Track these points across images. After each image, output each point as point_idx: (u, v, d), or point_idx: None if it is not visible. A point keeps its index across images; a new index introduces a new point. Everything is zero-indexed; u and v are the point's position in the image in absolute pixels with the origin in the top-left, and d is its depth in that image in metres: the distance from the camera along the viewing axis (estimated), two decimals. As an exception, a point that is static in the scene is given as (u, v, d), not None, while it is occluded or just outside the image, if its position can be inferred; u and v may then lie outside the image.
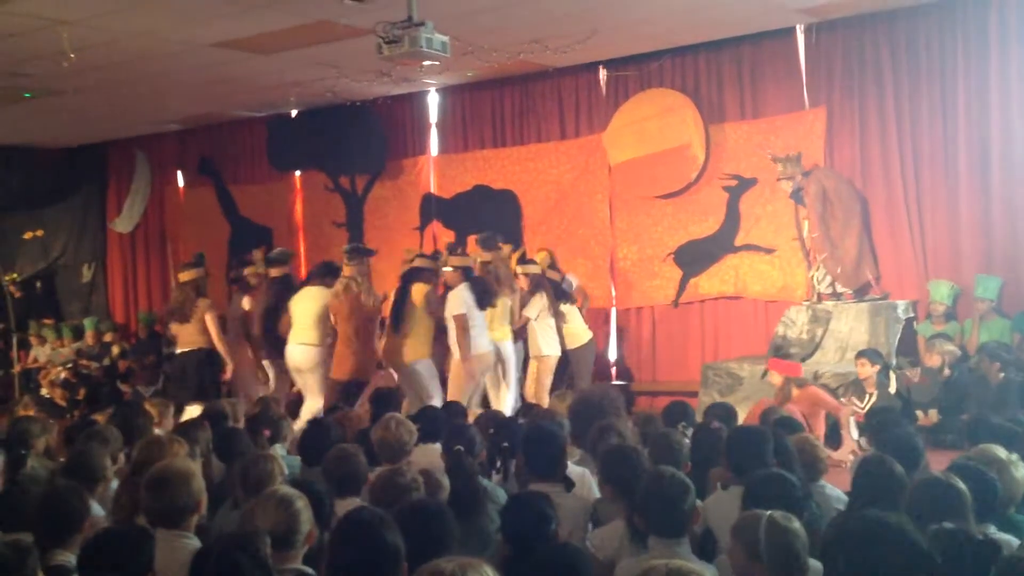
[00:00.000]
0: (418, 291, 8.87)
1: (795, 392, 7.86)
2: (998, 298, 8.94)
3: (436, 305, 8.84)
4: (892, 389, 8.28)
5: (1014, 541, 3.77)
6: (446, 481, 4.69)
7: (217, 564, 3.07)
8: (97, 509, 4.64)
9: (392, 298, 9.05)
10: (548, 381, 9.52)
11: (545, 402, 8.67)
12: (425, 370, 8.88)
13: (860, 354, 8.36)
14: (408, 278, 9.03)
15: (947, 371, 8.41)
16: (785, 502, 3.68)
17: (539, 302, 9.45)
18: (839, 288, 9.35)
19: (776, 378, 8.09)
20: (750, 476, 4.22)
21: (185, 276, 9.60)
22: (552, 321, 9.53)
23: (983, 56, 9.07)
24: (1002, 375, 8.02)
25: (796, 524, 3.36)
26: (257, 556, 3.14)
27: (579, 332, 9.76)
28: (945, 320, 9.06)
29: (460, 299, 8.68)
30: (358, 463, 4.80)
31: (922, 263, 9.45)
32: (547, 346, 9.49)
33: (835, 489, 4.77)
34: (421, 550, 3.16)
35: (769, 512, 3.38)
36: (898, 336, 8.86)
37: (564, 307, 9.67)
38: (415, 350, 8.84)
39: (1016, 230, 9.01)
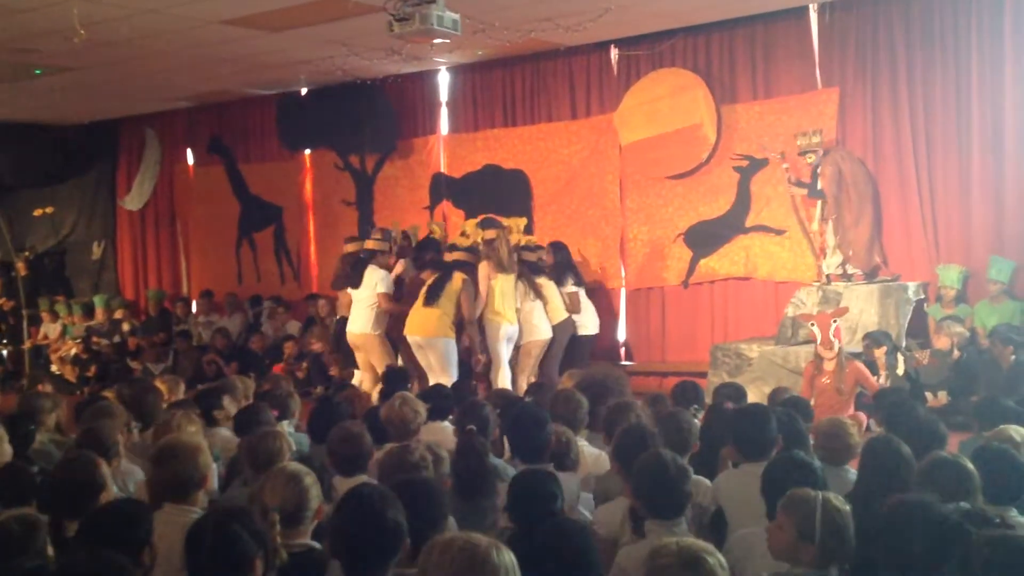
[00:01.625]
0: (458, 278, 9.11)
1: (847, 364, 7.81)
2: (1010, 281, 8.91)
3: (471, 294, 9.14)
4: (900, 371, 8.26)
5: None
6: (444, 454, 4.69)
7: (212, 535, 3.08)
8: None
9: (430, 280, 9.21)
10: (528, 364, 9.49)
11: (522, 386, 8.86)
12: (450, 347, 9.06)
13: (866, 336, 8.34)
14: (454, 265, 9.27)
15: (956, 353, 8.38)
16: (805, 485, 3.68)
17: (520, 288, 9.44)
18: (849, 269, 9.31)
19: (833, 349, 7.97)
20: (771, 458, 4.21)
21: (369, 245, 9.86)
22: (534, 304, 9.50)
23: (998, 37, 9.00)
24: (1013, 357, 8.00)
25: (847, 508, 3.32)
26: (252, 527, 3.15)
27: (556, 311, 9.67)
28: (955, 303, 9.03)
29: None
30: (362, 442, 4.80)
31: (933, 245, 9.41)
32: (529, 332, 9.47)
33: (856, 473, 4.74)
34: (412, 526, 3.19)
35: (823, 493, 3.35)
36: (908, 318, 8.83)
37: (541, 280, 9.60)
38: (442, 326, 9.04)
39: (1029, 212, 8.97)
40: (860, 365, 7.91)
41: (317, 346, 11.53)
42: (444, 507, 3.60)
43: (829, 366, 7.91)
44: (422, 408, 5.54)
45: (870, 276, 9.32)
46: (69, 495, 4.04)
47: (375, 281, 9.31)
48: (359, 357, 9.67)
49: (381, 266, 9.51)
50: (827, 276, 9.34)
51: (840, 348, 7.92)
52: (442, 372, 8.86)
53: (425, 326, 9.02)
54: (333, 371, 11.23)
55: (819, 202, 9.43)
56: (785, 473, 3.84)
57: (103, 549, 3.09)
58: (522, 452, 4.76)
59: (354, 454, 4.75)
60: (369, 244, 9.80)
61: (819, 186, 9.30)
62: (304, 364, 11.86)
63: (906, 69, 9.45)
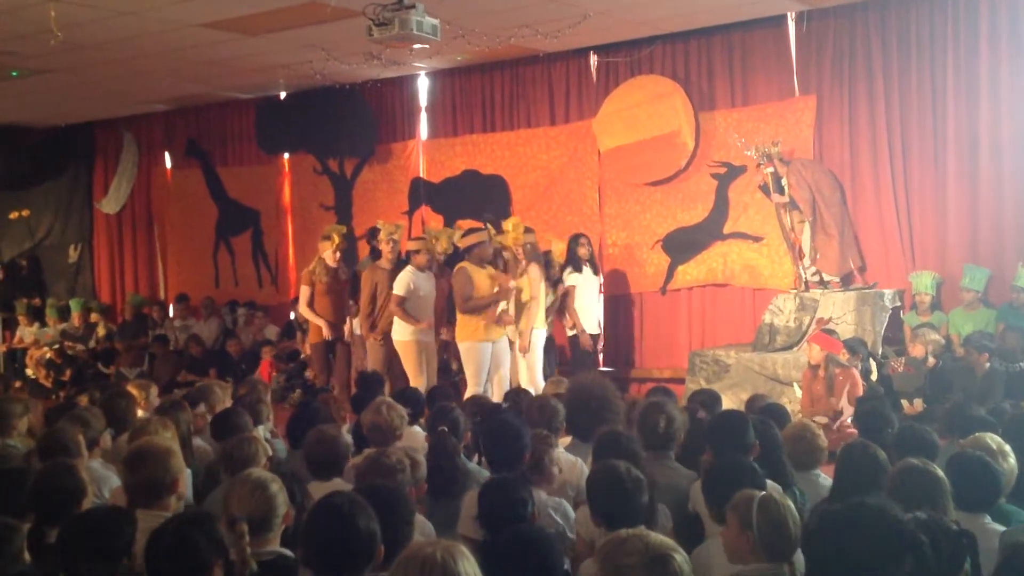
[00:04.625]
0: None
1: (836, 372, 7.81)
2: (984, 289, 8.97)
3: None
4: (874, 377, 8.29)
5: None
6: (420, 458, 4.68)
7: (170, 540, 3.06)
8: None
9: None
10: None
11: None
12: (465, 352, 8.69)
13: (842, 343, 8.35)
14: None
15: (932, 360, 8.42)
16: (745, 486, 3.71)
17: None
18: (826, 277, 9.35)
19: (816, 355, 7.94)
20: (707, 464, 4.25)
21: (409, 246, 9.49)
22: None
23: (973, 47, 9.07)
24: (988, 365, 8.05)
25: (789, 502, 3.41)
26: (212, 533, 3.13)
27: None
28: (931, 310, 9.09)
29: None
30: (337, 444, 4.78)
31: (909, 252, 9.46)
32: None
33: (829, 479, 4.74)
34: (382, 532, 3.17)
35: (764, 492, 3.44)
36: (884, 325, 8.86)
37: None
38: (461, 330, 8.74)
39: (1002, 221, 9.03)
40: (854, 373, 7.84)
41: (308, 349, 11.49)
42: (408, 513, 3.57)
43: (822, 372, 7.91)
44: (405, 413, 5.54)
45: (846, 283, 9.37)
46: (51, 502, 4.00)
47: (398, 282, 8.99)
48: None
49: (416, 267, 9.06)
50: (805, 282, 9.36)
51: (827, 356, 7.90)
52: (470, 379, 8.55)
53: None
54: (309, 373, 11.21)
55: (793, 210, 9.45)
56: (725, 476, 3.89)
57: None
58: (495, 462, 4.72)
59: (330, 457, 4.73)
60: (409, 245, 9.40)
61: (787, 194, 9.34)
62: (291, 365, 11.85)
63: (883, 78, 9.51)
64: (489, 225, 9.08)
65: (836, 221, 9.38)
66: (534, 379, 8.88)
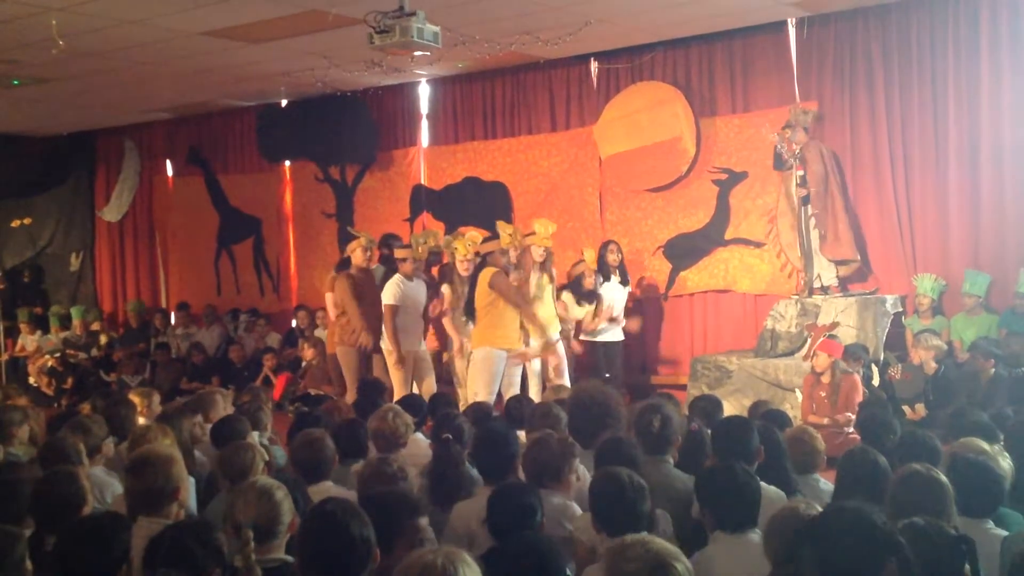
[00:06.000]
0: (484, 275, 8.32)
1: (841, 378, 7.79)
2: (986, 294, 8.96)
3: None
4: (876, 382, 8.28)
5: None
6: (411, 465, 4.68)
7: (169, 550, 3.05)
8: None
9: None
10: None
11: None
12: (481, 359, 8.30)
13: (844, 350, 8.34)
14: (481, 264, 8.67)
15: (933, 366, 8.40)
16: (734, 494, 3.69)
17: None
18: (825, 282, 9.34)
19: (822, 361, 7.88)
20: (700, 470, 4.25)
21: (397, 254, 9.34)
22: None
23: (974, 51, 9.07)
24: (993, 371, 8.04)
25: (802, 511, 3.38)
26: (211, 541, 3.12)
27: None
28: (932, 315, 9.08)
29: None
30: (323, 447, 4.80)
31: (911, 257, 9.46)
32: None
33: (829, 483, 4.75)
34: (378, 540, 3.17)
35: (792, 502, 3.45)
36: (886, 330, 8.86)
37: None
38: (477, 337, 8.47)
39: (1004, 226, 9.02)
40: (856, 380, 7.83)
41: (308, 354, 11.51)
42: (402, 520, 3.56)
43: (826, 379, 7.88)
44: (411, 421, 5.53)
45: (845, 286, 9.36)
46: (51, 509, 4.01)
47: (387, 291, 8.91)
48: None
49: (403, 275, 8.95)
50: (808, 287, 9.32)
51: (835, 362, 7.87)
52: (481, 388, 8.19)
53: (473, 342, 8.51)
54: (303, 386, 11.23)
55: (803, 195, 9.39)
56: (717, 481, 3.89)
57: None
58: (486, 471, 4.68)
59: (315, 460, 4.75)
60: (397, 253, 9.26)
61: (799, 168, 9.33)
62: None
63: (883, 82, 9.51)
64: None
65: (840, 205, 9.34)
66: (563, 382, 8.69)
